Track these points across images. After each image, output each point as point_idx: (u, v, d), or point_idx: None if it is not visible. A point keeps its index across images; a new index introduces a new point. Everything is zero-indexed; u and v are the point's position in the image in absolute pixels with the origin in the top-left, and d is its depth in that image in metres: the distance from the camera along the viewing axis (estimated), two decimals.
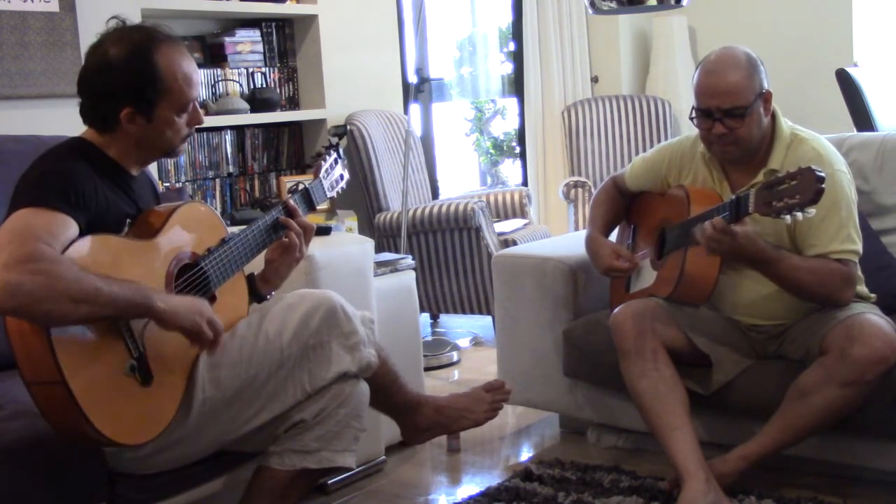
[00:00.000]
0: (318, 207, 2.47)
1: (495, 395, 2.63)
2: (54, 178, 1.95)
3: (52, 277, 1.76)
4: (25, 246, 1.78)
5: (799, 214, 2.20)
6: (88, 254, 1.89)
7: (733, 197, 2.37)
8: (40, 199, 1.89)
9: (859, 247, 2.52)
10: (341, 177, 2.57)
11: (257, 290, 2.34)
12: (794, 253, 2.51)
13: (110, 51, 2.05)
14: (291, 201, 2.34)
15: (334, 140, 2.66)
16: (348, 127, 4.47)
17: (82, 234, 1.91)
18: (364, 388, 2.26)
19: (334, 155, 2.56)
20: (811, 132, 2.63)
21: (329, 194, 2.50)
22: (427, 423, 2.54)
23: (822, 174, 2.18)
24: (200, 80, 4.08)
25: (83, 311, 1.80)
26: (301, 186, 2.42)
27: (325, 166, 2.52)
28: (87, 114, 2.11)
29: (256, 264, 2.33)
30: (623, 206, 2.96)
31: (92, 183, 2.00)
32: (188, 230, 2.15)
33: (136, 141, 2.10)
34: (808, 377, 2.41)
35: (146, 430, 1.95)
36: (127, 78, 2.04)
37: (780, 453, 2.50)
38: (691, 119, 2.59)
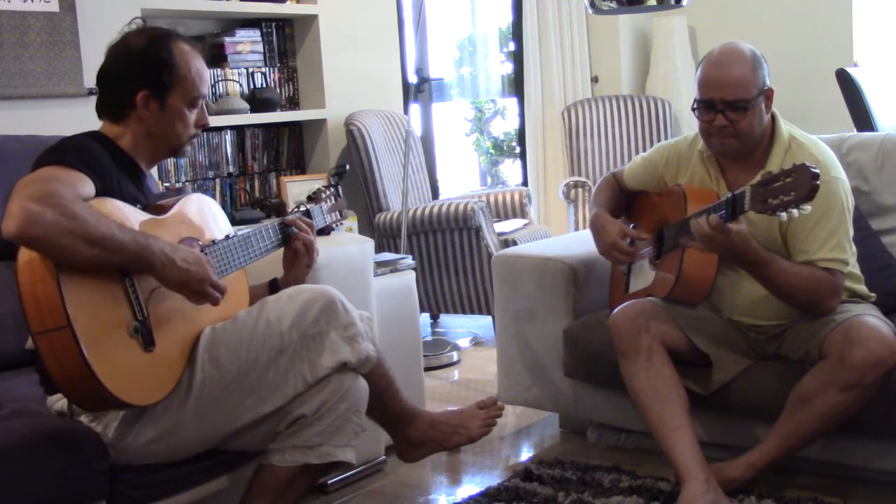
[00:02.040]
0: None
1: (489, 412, 2.63)
2: (73, 145, 2.07)
3: (73, 214, 1.85)
4: (47, 186, 1.87)
5: (795, 211, 2.20)
6: (103, 209, 1.96)
7: (729, 195, 2.38)
8: (60, 158, 1.99)
9: (848, 256, 2.52)
10: (341, 213, 2.67)
11: None
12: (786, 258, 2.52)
13: (131, 41, 2.21)
14: (296, 216, 2.46)
15: (334, 180, 2.76)
16: (349, 127, 4.47)
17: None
18: (363, 383, 2.27)
19: (332, 191, 2.66)
20: (810, 136, 2.63)
21: (327, 221, 2.60)
22: (421, 437, 2.54)
23: (817, 170, 2.19)
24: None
25: (96, 253, 1.88)
26: (303, 208, 2.54)
27: (325, 195, 2.62)
28: (103, 102, 2.22)
29: (277, 271, 2.45)
30: (623, 199, 2.96)
31: (109, 163, 2.09)
32: (196, 218, 2.24)
33: (148, 129, 2.20)
34: (808, 383, 2.41)
35: (146, 393, 1.99)
36: (145, 60, 2.17)
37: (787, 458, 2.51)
38: (693, 110, 2.60)
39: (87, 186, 1.98)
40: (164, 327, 2.04)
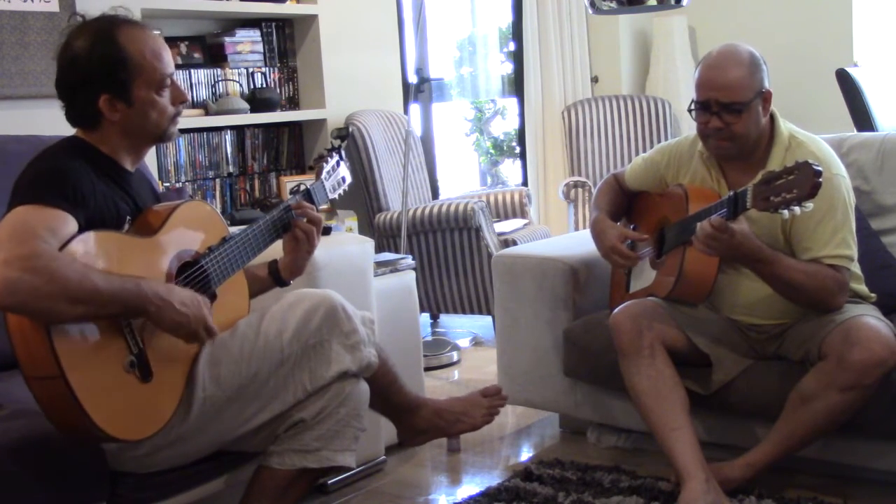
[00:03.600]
0: (319, 208, 2.48)
1: (492, 401, 2.64)
2: (51, 175, 1.96)
3: (52, 276, 1.76)
4: (25, 244, 1.78)
5: (797, 209, 2.20)
6: (88, 250, 1.89)
7: (731, 193, 2.38)
8: (38, 196, 1.89)
9: (854, 252, 2.52)
10: (343, 179, 2.58)
11: (279, 277, 2.38)
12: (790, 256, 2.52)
13: (75, 44, 2.07)
14: (293, 202, 2.36)
15: (336, 142, 2.68)
16: (349, 127, 4.47)
17: (81, 231, 1.91)
18: (364, 387, 2.26)
19: (336, 157, 2.58)
20: (810, 135, 2.63)
21: (331, 196, 2.52)
22: (425, 426, 2.54)
23: (820, 168, 2.19)
24: (201, 80, 4.14)
25: (81, 311, 1.81)
26: (303, 187, 2.44)
27: (328, 168, 2.53)
28: (71, 115, 2.12)
29: (276, 252, 2.37)
30: (624, 201, 2.96)
31: (89, 180, 2.00)
32: (189, 228, 2.15)
33: (122, 129, 2.10)
34: (808, 383, 2.41)
35: (146, 426, 1.96)
36: (95, 64, 2.04)
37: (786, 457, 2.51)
38: (689, 111, 2.60)
39: (68, 225, 1.88)
40: (161, 354, 1.98)
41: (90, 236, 1.92)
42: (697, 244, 2.40)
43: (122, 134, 2.11)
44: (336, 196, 2.55)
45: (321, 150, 4.49)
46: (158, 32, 2.25)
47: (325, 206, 2.49)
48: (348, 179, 2.60)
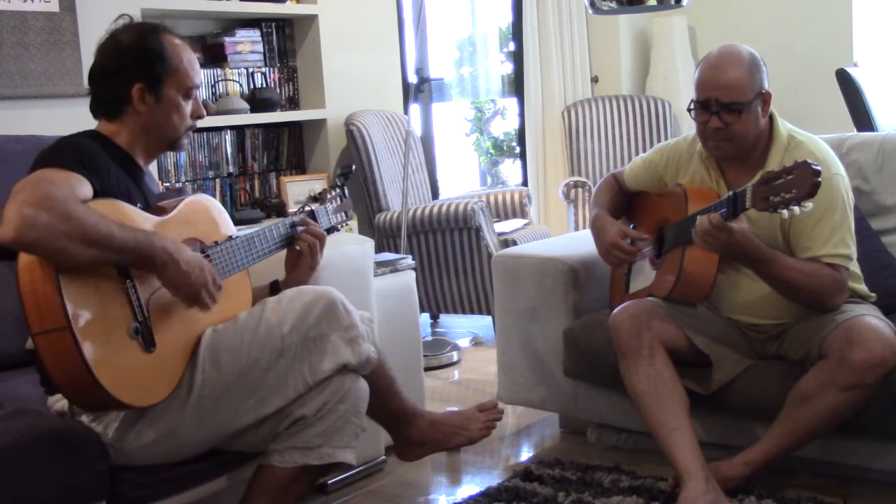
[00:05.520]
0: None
1: (489, 415, 2.64)
2: (69, 146, 2.07)
3: (68, 215, 1.84)
4: (42, 188, 1.87)
5: (796, 209, 2.20)
6: (103, 208, 1.95)
7: (730, 193, 2.38)
8: (56, 161, 1.98)
9: (852, 251, 2.52)
10: (346, 214, 2.66)
11: None
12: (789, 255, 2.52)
13: (121, 37, 2.20)
14: (297, 219, 2.45)
15: (339, 180, 2.77)
16: (349, 127, 4.47)
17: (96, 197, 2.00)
18: (364, 385, 2.26)
19: (338, 191, 2.65)
20: (809, 135, 2.63)
21: (332, 222, 2.59)
22: (421, 437, 2.54)
23: (819, 167, 2.19)
24: (201, 80, 4.14)
25: (94, 253, 1.88)
26: (307, 208, 2.53)
27: (331, 197, 2.61)
28: (98, 101, 2.22)
29: (279, 272, 2.44)
30: (623, 200, 2.96)
31: (105, 162, 2.09)
32: (199, 219, 2.24)
33: (145, 123, 2.20)
34: (808, 382, 2.41)
35: (145, 394, 1.98)
36: (137, 54, 2.17)
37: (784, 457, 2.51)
38: (689, 111, 2.60)
39: (85, 188, 1.97)
40: (165, 328, 2.03)
41: (107, 200, 2.00)
42: (695, 237, 2.41)
43: (143, 129, 2.21)
44: (337, 226, 2.62)
45: (324, 149, 4.53)
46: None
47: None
48: (349, 218, 2.68)
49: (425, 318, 4.78)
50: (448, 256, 4.39)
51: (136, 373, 1.96)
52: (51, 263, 1.85)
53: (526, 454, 3.16)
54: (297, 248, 2.42)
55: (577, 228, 5.28)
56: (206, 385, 2.10)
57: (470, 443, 2.61)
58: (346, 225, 2.68)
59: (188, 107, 2.24)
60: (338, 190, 2.66)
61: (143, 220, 2.07)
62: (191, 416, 2.10)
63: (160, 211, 2.16)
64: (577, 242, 3.21)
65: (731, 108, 2.50)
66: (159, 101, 2.18)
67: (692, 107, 2.58)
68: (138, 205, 2.12)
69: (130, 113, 2.18)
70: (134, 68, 2.17)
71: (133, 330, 1.96)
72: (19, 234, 1.81)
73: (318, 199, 2.58)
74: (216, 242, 2.20)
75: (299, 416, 2.17)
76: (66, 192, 1.89)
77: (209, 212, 2.29)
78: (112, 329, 1.93)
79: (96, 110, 2.23)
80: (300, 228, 2.43)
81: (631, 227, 2.93)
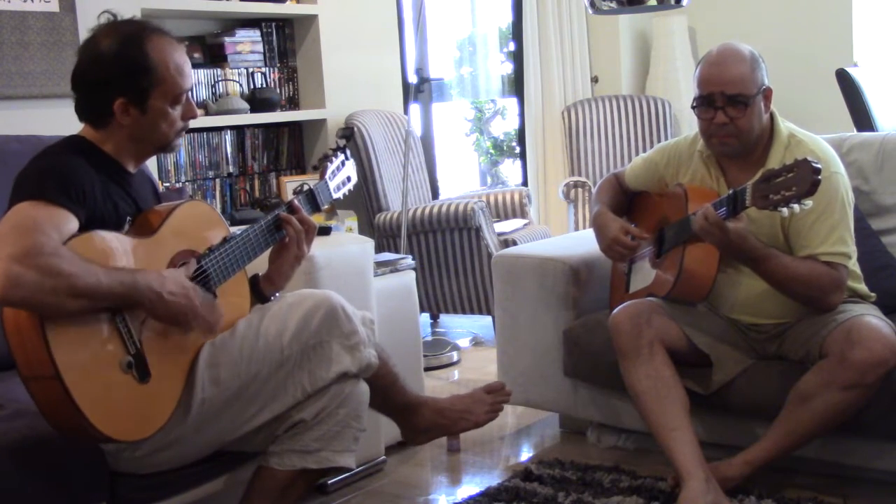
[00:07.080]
0: (323, 208, 2.47)
1: (496, 397, 2.64)
2: (53, 172, 1.97)
3: (55, 271, 1.78)
4: (27, 238, 1.80)
5: (796, 206, 2.21)
6: (88, 248, 1.90)
7: (731, 191, 2.38)
8: (40, 192, 1.91)
9: (851, 250, 2.52)
10: (348, 178, 2.57)
11: (261, 292, 2.33)
12: (788, 254, 2.52)
13: (102, 43, 2.07)
14: (296, 201, 2.34)
15: (341, 142, 2.66)
16: (352, 127, 4.46)
17: (82, 230, 1.93)
18: (364, 388, 2.25)
19: (342, 157, 2.56)
20: (809, 134, 2.63)
21: (335, 195, 2.50)
22: (427, 425, 2.54)
23: (819, 165, 2.19)
24: (201, 80, 4.13)
25: (82, 304, 1.83)
26: (306, 187, 2.42)
27: (332, 168, 2.52)
28: (81, 109, 2.13)
29: (260, 266, 2.33)
30: (624, 200, 2.97)
31: (90, 179, 2.01)
32: (189, 228, 2.16)
33: (130, 134, 2.11)
34: (808, 381, 2.41)
35: (143, 427, 1.96)
36: (119, 67, 2.05)
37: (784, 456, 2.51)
38: (693, 108, 2.60)
39: (70, 223, 1.90)
40: (159, 354, 1.98)
41: (90, 235, 1.93)
42: (695, 227, 2.42)
43: (129, 138, 2.12)
44: (340, 196, 2.53)
45: (325, 149, 4.50)
46: (186, 44, 2.24)
47: (326, 207, 2.48)
48: (353, 179, 2.59)
49: (425, 318, 4.78)
50: (448, 256, 4.39)
51: (133, 407, 1.93)
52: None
53: (526, 454, 3.15)
54: (285, 235, 2.29)
55: (577, 228, 5.28)
56: (205, 403, 2.08)
57: (476, 426, 2.61)
58: (350, 190, 2.55)
59: (178, 111, 2.12)
60: (340, 155, 2.54)
61: (127, 248, 1.99)
62: (190, 430, 2.08)
63: (148, 227, 2.07)
64: (577, 242, 3.21)
65: (736, 100, 2.50)
66: (145, 113, 2.07)
67: (696, 104, 2.58)
68: (127, 219, 2.06)
69: (115, 125, 2.08)
70: (116, 82, 2.04)
71: (126, 364, 1.91)
72: (5, 293, 1.76)
73: (317, 167, 2.48)
74: (210, 248, 2.13)
75: (298, 420, 2.16)
76: (53, 242, 1.82)
77: (201, 218, 2.21)
78: (104, 368, 1.88)
79: (80, 115, 2.13)
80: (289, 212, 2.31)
81: (632, 226, 2.94)
